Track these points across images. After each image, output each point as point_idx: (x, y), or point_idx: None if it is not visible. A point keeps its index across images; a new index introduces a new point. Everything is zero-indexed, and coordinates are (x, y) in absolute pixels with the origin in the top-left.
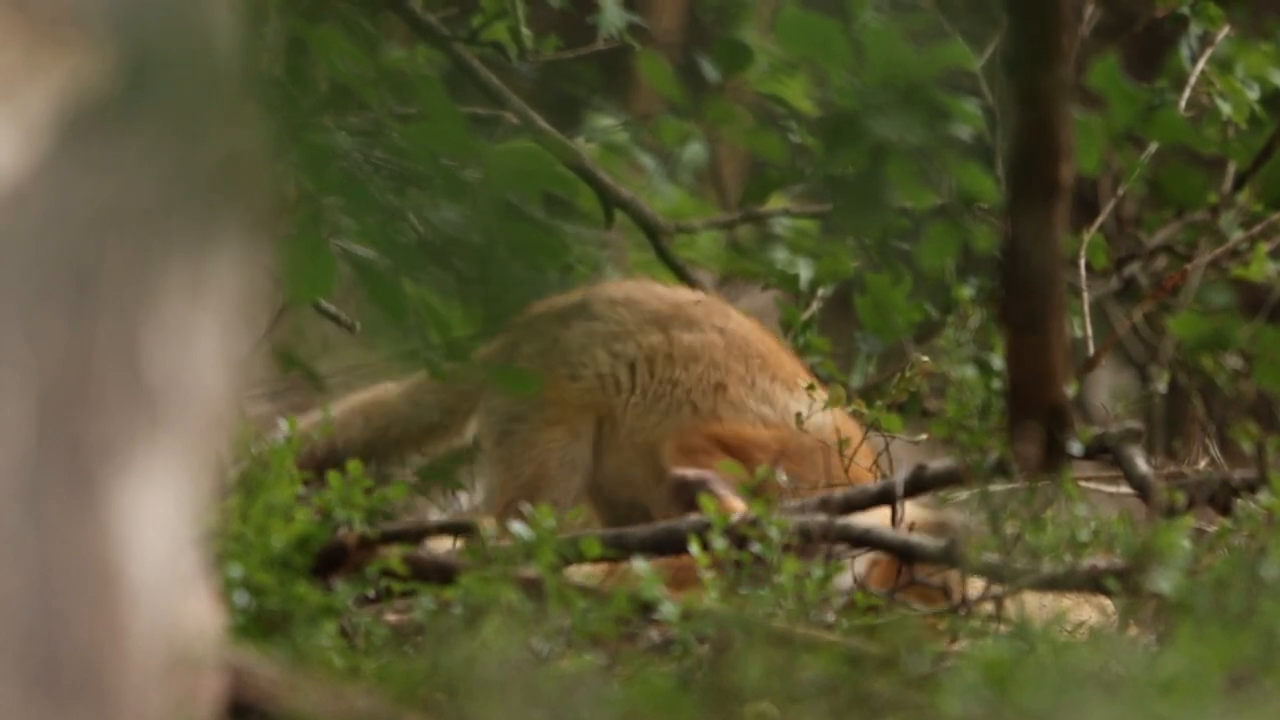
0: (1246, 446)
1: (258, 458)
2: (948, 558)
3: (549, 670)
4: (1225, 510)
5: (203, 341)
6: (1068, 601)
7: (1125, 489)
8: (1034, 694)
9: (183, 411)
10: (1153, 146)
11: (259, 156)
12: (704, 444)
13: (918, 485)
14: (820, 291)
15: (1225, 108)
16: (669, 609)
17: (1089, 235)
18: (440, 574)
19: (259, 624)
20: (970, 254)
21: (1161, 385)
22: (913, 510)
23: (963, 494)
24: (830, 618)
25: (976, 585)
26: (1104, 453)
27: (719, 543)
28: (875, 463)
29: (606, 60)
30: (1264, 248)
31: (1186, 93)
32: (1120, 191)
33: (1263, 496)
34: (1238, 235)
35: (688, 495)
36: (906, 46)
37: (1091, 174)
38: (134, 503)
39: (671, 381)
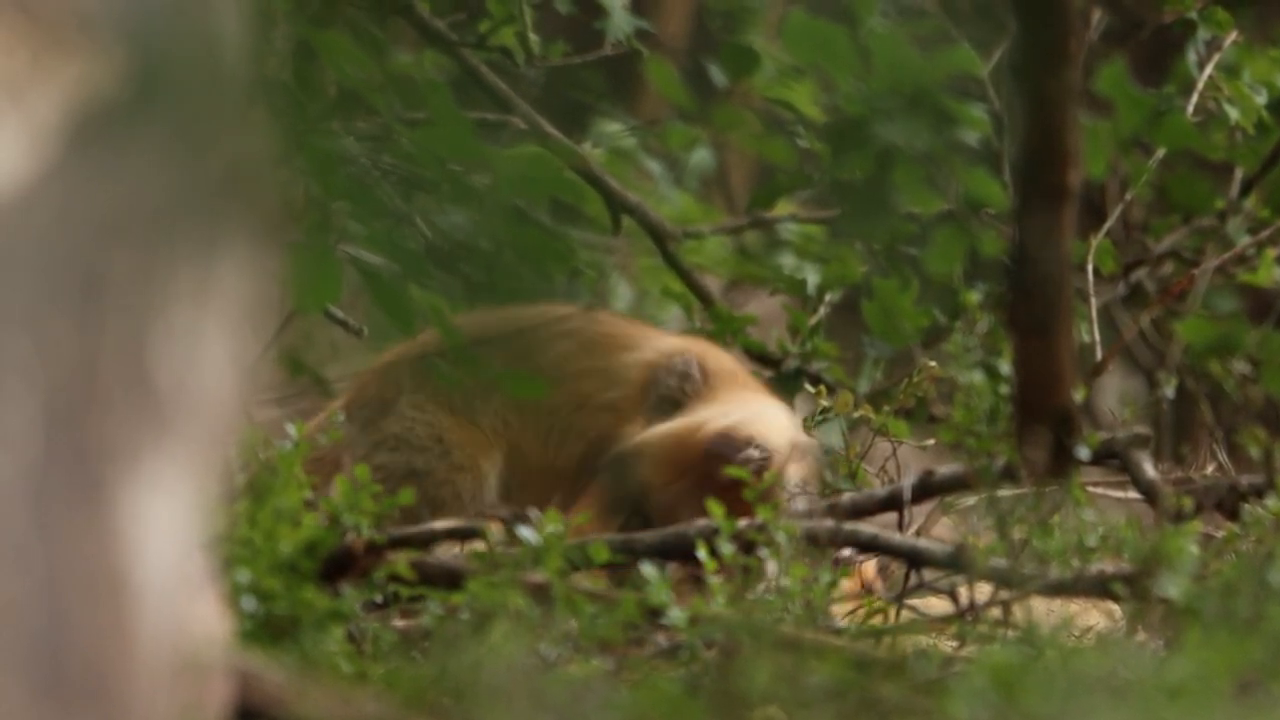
0: (1254, 451)
1: (265, 463)
2: (955, 562)
3: (556, 675)
4: (1233, 515)
5: (210, 346)
6: (1075, 607)
7: (1133, 494)
8: (1041, 699)
9: (190, 416)
10: (1160, 152)
11: (266, 162)
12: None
13: (925, 490)
14: (827, 296)
15: (1232, 113)
16: (676, 614)
17: (1096, 240)
18: (448, 579)
19: (266, 629)
20: (978, 259)
21: (1169, 390)
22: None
23: (970, 499)
24: (838, 623)
25: (984, 590)
26: (1111, 458)
27: (726, 548)
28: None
29: (613, 66)
30: (1271, 253)
31: (1194, 98)
32: (1127, 197)
33: (1270, 502)
34: (1245, 241)
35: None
36: (913, 52)
37: (1099, 179)
38: (141, 508)
39: (549, 410)
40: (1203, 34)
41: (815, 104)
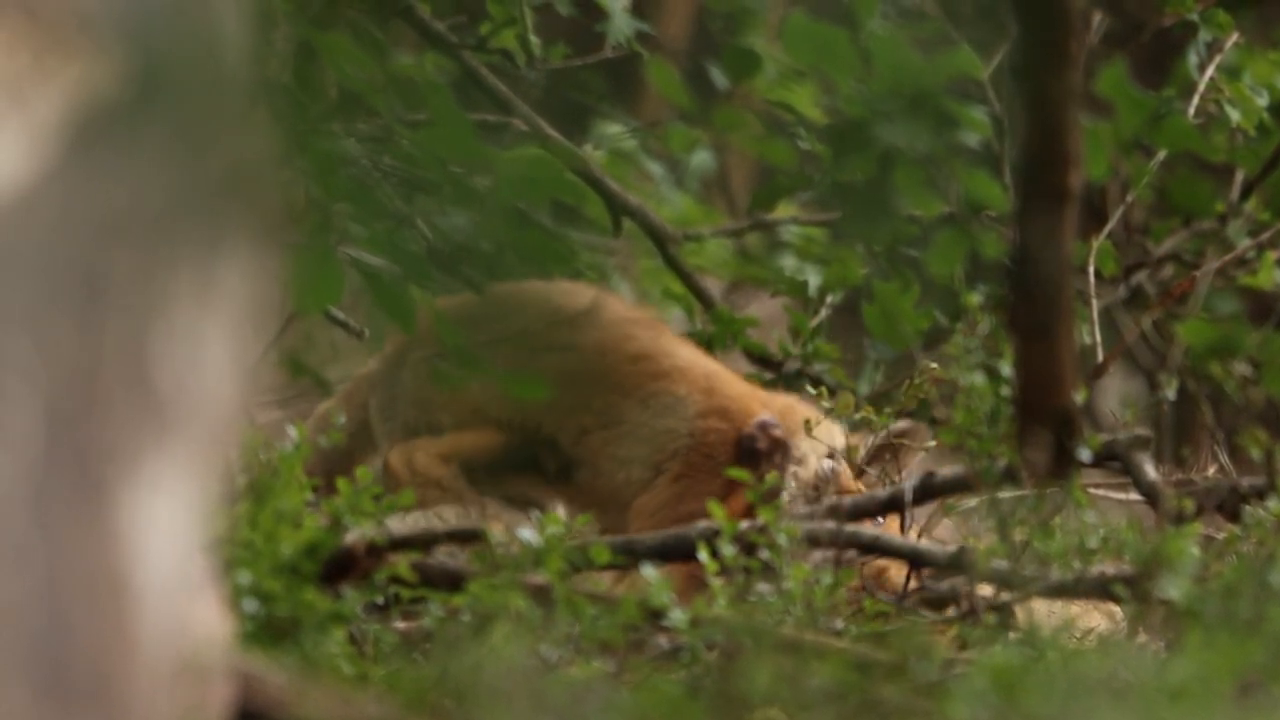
0: (1255, 453)
1: (266, 464)
2: (957, 564)
3: (557, 677)
4: (1234, 517)
5: (211, 348)
6: (1076, 608)
7: (1134, 496)
8: (1042, 701)
9: (191, 418)
10: (1161, 154)
11: (267, 163)
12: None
13: (926, 492)
14: (828, 299)
15: (1233, 115)
16: (677, 616)
17: (1097, 242)
18: (449, 581)
19: (268, 631)
20: (979, 261)
21: (1170, 392)
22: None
23: (971, 501)
24: (839, 624)
25: (985, 591)
26: (1112, 459)
27: (727, 549)
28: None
29: (614, 68)
30: (1272, 256)
31: (1195, 100)
32: (1128, 199)
33: (1271, 503)
34: (1245, 243)
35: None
36: (914, 54)
37: (1099, 181)
38: (142, 509)
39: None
40: (1203, 36)
41: (816, 106)
